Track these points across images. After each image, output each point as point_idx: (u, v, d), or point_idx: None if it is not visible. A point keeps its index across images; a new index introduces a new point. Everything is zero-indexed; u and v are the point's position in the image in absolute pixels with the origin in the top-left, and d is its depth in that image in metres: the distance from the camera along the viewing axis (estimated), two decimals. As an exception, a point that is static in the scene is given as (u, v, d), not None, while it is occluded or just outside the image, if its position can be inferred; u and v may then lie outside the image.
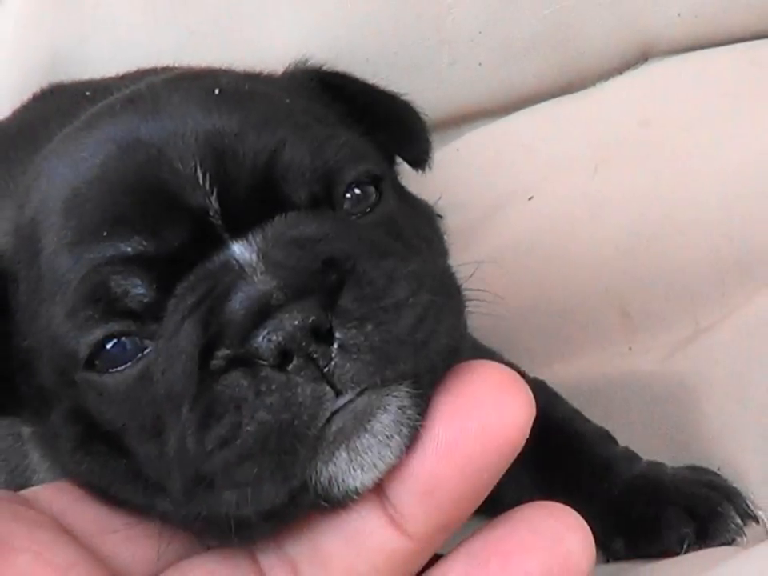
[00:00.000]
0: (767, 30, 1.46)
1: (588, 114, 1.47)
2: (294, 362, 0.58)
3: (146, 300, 0.63)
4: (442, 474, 0.57)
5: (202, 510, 0.61)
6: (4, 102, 1.46)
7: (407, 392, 0.60)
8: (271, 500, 0.59)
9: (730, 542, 0.93)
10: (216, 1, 1.52)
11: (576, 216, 1.31)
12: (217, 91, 0.69)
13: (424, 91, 1.11)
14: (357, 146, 0.70)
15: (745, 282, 1.15)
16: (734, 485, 0.97)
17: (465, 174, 1.44)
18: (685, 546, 0.92)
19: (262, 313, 0.59)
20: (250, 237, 0.63)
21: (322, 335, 0.58)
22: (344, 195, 0.68)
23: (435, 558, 0.61)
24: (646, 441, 1.03)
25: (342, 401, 0.58)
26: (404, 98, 0.87)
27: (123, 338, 0.63)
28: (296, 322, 0.58)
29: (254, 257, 0.62)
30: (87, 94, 1.17)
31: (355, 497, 0.59)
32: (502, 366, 0.60)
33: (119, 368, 0.64)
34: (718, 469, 0.99)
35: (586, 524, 0.60)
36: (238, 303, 0.60)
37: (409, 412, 0.59)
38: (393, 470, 0.59)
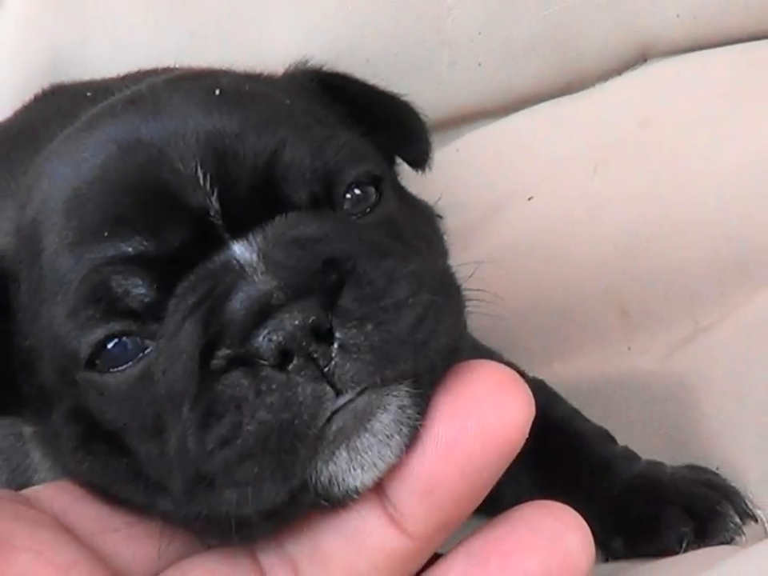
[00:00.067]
0: (765, 31, 1.46)
1: (587, 115, 1.47)
2: (295, 361, 0.58)
3: (146, 300, 0.63)
4: (442, 473, 0.57)
5: (203, 509, 0.62)
6: (5, 102, 1.46)
7: (407, 391, 0.60)
8: (272, 499, 0.59)
9: (729, 541, 0.93)
10: (216, 2, 1.52)
11: (575, 216, 1.31)
12: (217, 92, 0.69)
13: (424, 92, 1.11)
14: (357, 146, 0.70)
15: (743, 281, 1.15)
16: (733, 484, 0.97)
17: (465, 175, 1.43)
18: (684, 545, 0.92)
19: (263, 313, 0.59)
20: (251, 237, 0.63)
21: (323, 335, 0.58)
22: (344, 195, 0.68)
23: (435, 558, 0.61)
24: (645, 440, 1.03)
25: (342, 400, 0.59)
26: (404, 98, 0.87)
27: (124, 338, 0.64)
28: (296, 322, 0.58)
29: (255, 257, 0.62)
30: (88, 94, 1.17)
31: (355, 496, 0.59)
32: (502, 365, 0.60)
33: (120, 368, 0.64)
34: (717, 468, 0.99)
35: (585, 523, 0.60)
36: (239, 303, 0.60)
37: (409, 411, 0.59)
38: (393, 470, 0.59)
